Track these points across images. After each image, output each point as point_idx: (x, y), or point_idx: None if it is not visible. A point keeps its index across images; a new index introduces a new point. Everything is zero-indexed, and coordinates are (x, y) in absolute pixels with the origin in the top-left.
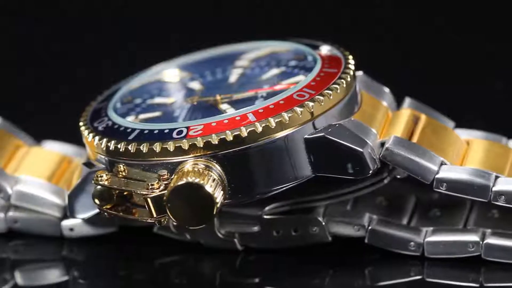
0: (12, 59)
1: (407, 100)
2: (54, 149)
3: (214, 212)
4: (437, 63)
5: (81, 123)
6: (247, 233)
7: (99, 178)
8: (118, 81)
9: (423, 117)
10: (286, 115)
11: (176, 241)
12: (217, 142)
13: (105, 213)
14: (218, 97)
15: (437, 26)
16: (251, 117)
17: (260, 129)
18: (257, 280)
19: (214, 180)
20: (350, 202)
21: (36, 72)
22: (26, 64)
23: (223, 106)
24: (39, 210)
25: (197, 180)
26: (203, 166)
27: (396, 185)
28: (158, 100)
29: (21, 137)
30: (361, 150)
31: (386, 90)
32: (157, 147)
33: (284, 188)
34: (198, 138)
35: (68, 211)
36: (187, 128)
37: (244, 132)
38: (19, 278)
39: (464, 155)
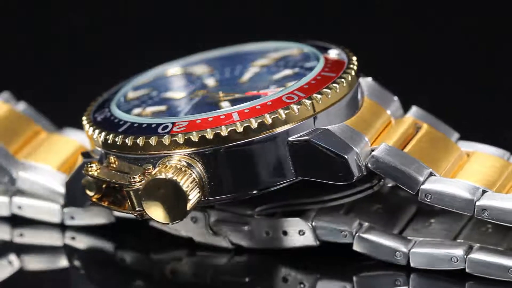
0: (12, 58)
1: (413, 109)
2: (73, 137)
3: (187, 210)
4: (437, 64)
5: (85, 113)
6: (237, 232)
7: (89, 169)
8: (118, 81)
9: (424, 127)
10: (268, 117)
11: (171, 236)
12: (197, 140)
13: (95, 204)
14: (220, 95)
15: (437, 26)
16: (235, 117)
17: (241, 129)
18: (247, 279)
19: (191, 176)
20: (344, 208)
21: (37, 71)
22: (26, 64)
23: (224, 104)
24: (42, 197)
25: (170, 176)
26: (185, 163)
27: (400, 194)
28: (169, 94)
29: (41, 123)
30: (345, 156)
31: (394, 98)
32: (140, 141)
33: (267, 190)
34: (179, 134)
35: (65, 199)
36: (173, 124)
37: (224, 131)
38: (22, 262)
39: (459, 167)
